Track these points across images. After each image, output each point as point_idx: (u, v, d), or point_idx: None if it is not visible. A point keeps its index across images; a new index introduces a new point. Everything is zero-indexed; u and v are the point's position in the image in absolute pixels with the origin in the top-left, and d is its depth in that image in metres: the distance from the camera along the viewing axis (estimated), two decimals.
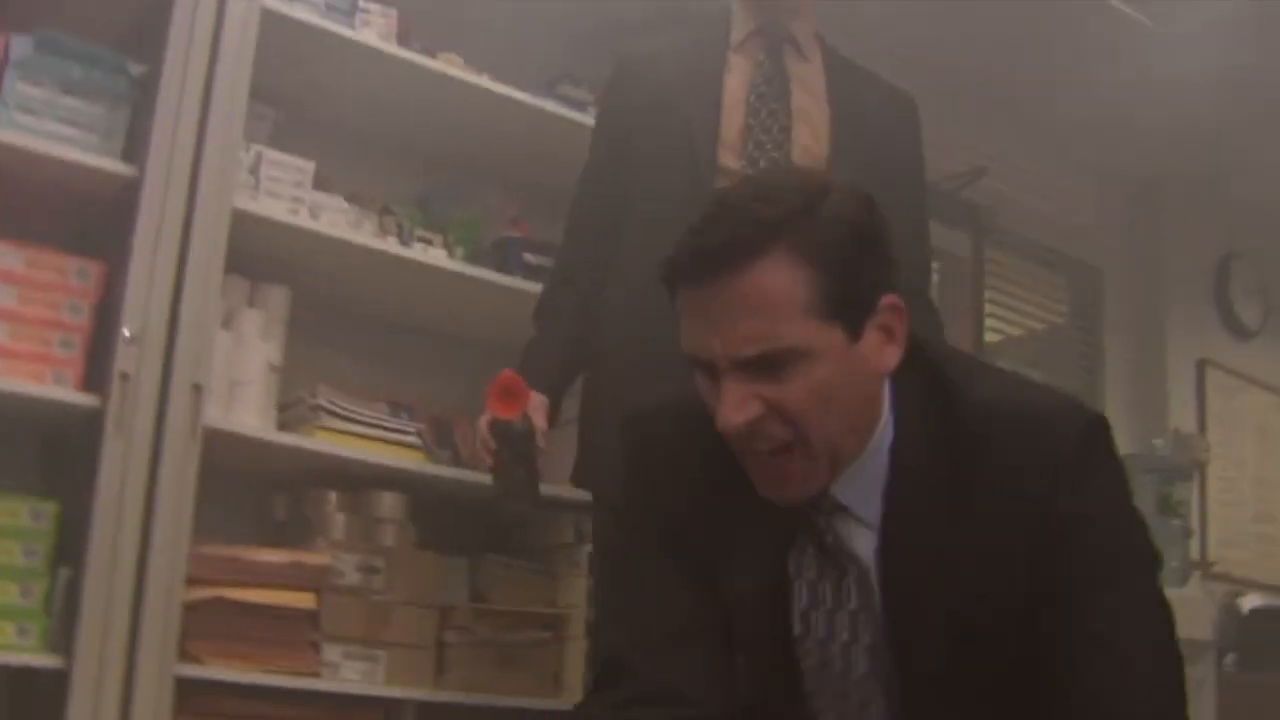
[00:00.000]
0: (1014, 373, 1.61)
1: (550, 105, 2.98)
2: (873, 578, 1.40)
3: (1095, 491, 1.36)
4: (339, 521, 2.63)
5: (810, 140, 2.32)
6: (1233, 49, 3.69)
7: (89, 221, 2.47)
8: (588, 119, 2.95)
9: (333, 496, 2.66)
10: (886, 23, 3.67)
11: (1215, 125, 4.16)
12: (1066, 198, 4.50)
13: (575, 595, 2.82)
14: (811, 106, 2.35)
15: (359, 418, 2.61)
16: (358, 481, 2.68)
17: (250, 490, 2.75)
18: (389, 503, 2.69)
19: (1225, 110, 4.02)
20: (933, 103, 4.36)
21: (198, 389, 2.32)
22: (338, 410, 2.60)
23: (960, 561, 1.34)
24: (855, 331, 1.31)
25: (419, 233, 2.86)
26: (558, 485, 2.60)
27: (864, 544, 1.40)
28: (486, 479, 2.66)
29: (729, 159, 2.29)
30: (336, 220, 2.66)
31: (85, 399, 2.26)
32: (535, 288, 2.76)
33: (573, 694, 2.74)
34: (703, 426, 1.40)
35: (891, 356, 1.36)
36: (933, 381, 1.40)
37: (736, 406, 1.29)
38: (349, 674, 2.51)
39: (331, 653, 2.49)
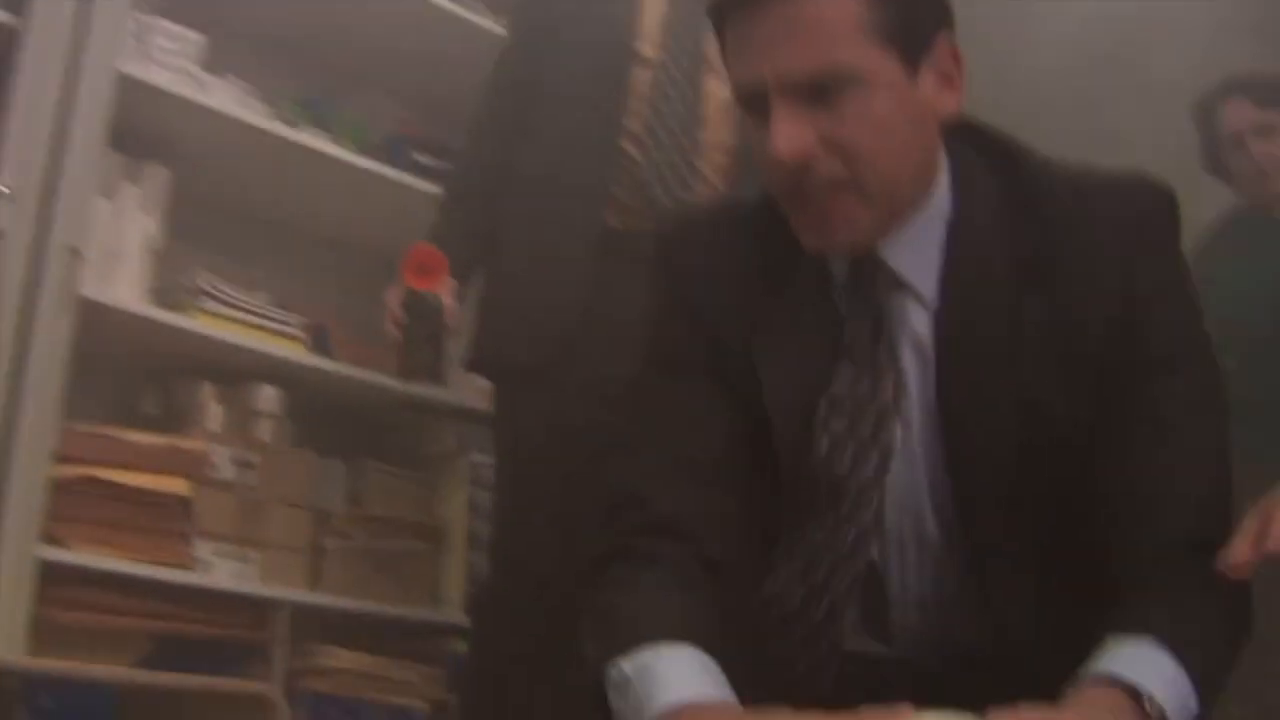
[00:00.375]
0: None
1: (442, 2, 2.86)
2: (927, 360, 1.28)
3: (1169, 269, 1.29)
4: (214, 412, 2.50)
5: None
6: (1101, 38, 3.71)
7: None
8: (480, 20, 2.88)
9: (206, 386, 2.53)
10: None
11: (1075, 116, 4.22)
12: None
13: (455, 507, 2.74)
14: None
15: (241, 304, 2.49)
16: (233, 373, 2.55)
17: (118, 379, 2.59)
18: (266, 396, 2.57)
19: (1088, 100, 4.05)
20: None
21: (75, 253, 2.18)
22: (220, 295, 2.46)
23: (1030, 340, 1.24)
24: (912, 66, 1.22)
25: (305, 129, 2.74)
26: (441, 391, 2.54)
27: (919, 324, 1.28)
28: (368, 378, 2.60)
29: (647, 48, 2.28)
30: (225, 99, 2.52)
31: None
32: (426, 187, 2.70)
33: (450, 606, 2.66)
34: (741, 223, 1.35)
35: (951, 102, 1.26)
36: (998, 153, 1.31)
37: (788, 137, 1.18)
38: (221, 573, 2.38)
39: (203, 550, 2.37)
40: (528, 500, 2.20)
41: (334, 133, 2.79)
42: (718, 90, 2.29)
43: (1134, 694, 1.04)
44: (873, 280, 1.28)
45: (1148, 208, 1.28)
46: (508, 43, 2.45)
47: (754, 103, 1.22)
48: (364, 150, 2.79)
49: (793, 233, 1.28)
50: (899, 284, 1.28)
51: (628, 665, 1.11)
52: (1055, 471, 1.23)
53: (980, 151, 1.31)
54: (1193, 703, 1.06)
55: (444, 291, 2.21)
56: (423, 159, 2.83)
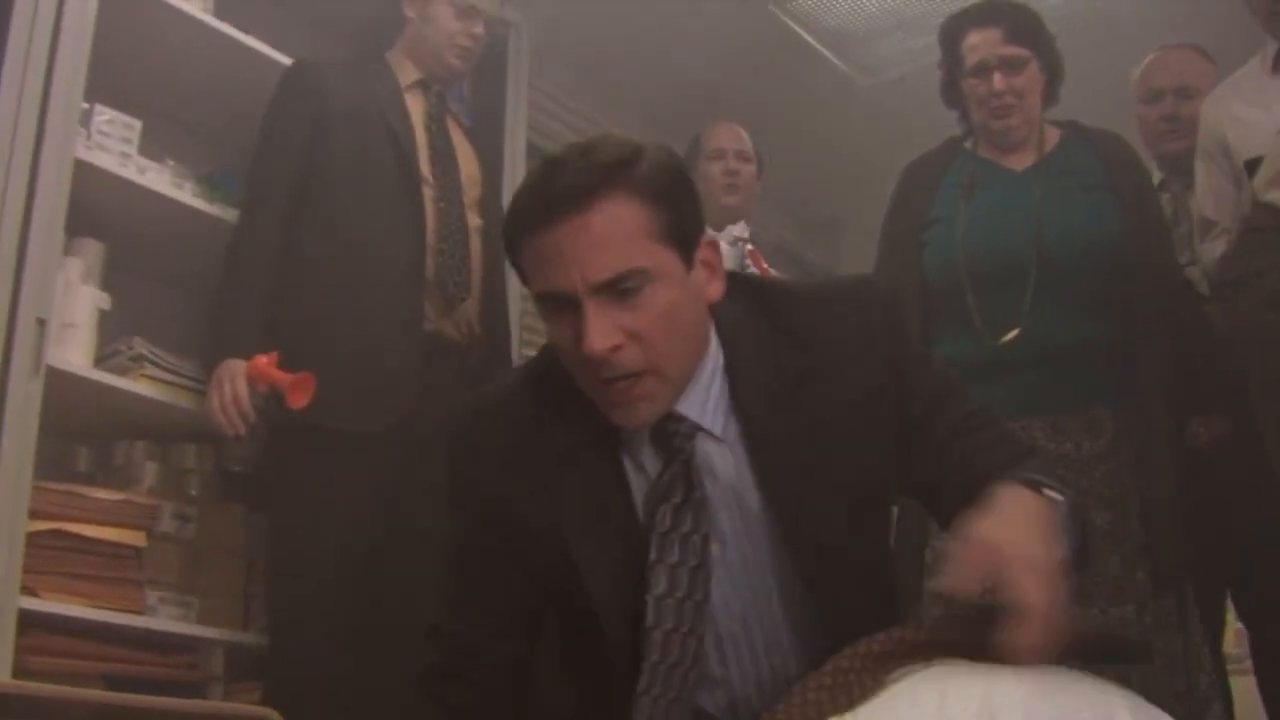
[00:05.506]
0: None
1: None
2: (747, 495, 1.53)
3: (904, 346, 1.60)
4: (151, 470, 2.68)
5: (468, 164, 2.93)
6: (921, 100, 4.04)
7: None
8: None
9: (141, 445, 2.72)
10: (610, 67, 4.04)
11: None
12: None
13: None
14: (460, 141, 2.97)
15: (179, 369, 2.68)
16: (166, 433, 2.74)
17: (53, 440, 2.73)
18: (194, 454, 2.77)
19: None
20: (641, 134, 4.70)
21: (42, 323, 2.36)
22: (159, 360, 2.66)
23: (827, 441, 1.51)
24: (688, 261, 1.48)
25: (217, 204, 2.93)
26: None
27: (723, 461, 1.54)
28: None
29: (426, 169, 2.79)
30: (162, 180, 2.73)
31: None
32: None
33: None
34: (526, 411, 1.57)
35: (717, 288, 1.54)
36: (753, 301, 1.58)
37: (602, 333, 1.41)
38: (164, 618, 2.57)
39: (150, 597, 2.55)
40: (311, 557, 2.54)
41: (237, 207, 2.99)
42: (472, 218, 2.84)
43: (1033, 487, 1.38)
44: (675, 431, 1.53)
45: (879, 308, 1.60)
46: (276, 137, 2.77)
47: (558, 302, 1.45)
48: None
49: (574, 415, 1.53)
50: (695, 429, 1.53)
51: None
52: (870, 512, 1.58)
53: (740, 303, 1.59)
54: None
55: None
56: None
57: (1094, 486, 2.56)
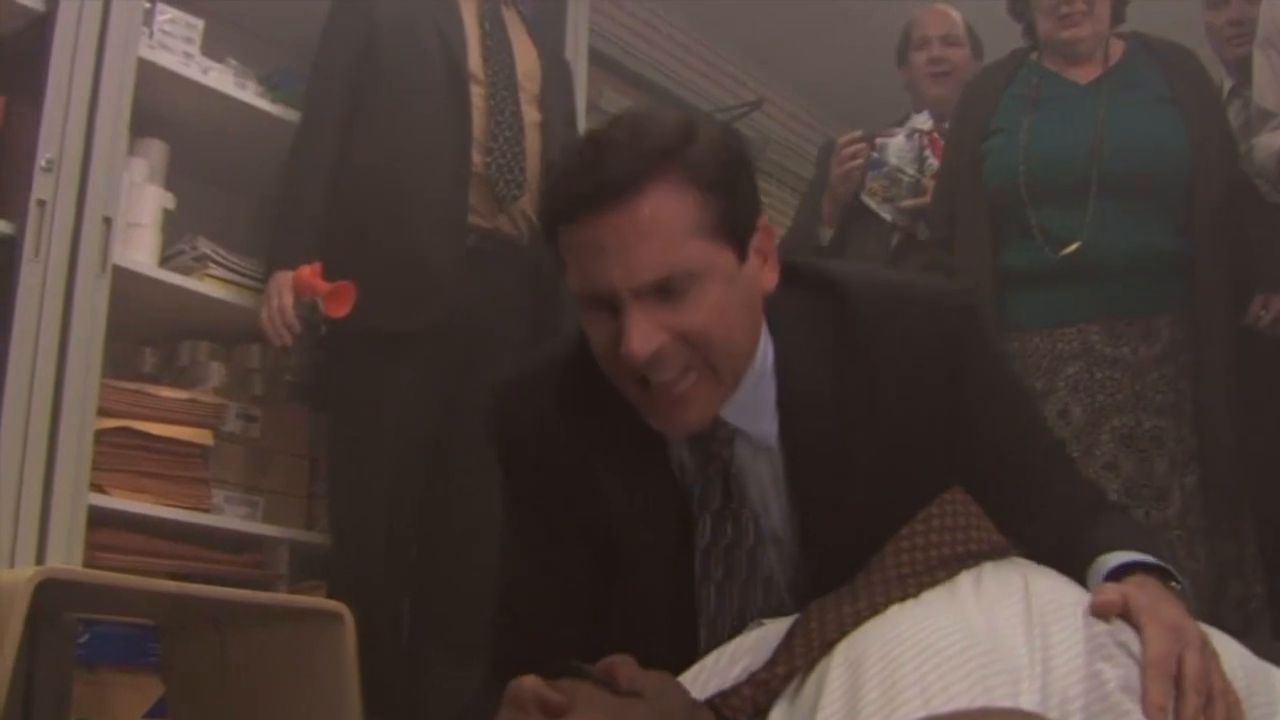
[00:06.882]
0: (879, 269, 1.71)
1: None
2: (775, 502, 1.45)
3: (989, 359, 1.48)
4: (216, 370, 2.70)
5: (527, 60, 2.85)
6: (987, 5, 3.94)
7: None
8: None
9: (206, 346, 2.74)
10: None
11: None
12: (820, 133, 4.91)
13: None
14: (520, 36, 2.89)
15: (243, 269, 2.69)
16: (230, 334, 2.76)
17: (119, 341, 2.75)
18: (258, 355, 2.79)
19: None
20: (709, 43, 4.69)
21: (108, 222, 2.37)
22: (223, 260, 2.67)
23: (869, 455, 1.41)
24: (741, 254, 1.36)
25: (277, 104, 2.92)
26: None
27: (765, 468, 1.45)
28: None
29: (476, 67, 2.72)
30: (224, 80, 2.73)
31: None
32: None
33: None
34: (569, 389, 1.47)
35: (771, 277, 1.42)
36: (816, 291, 1.46)
37: (643, 338, 1.30)
38: (231, 516, 2.61)
39: (216, 496, 2.59)
40: (370, 452, 2.56)
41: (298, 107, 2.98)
42: (531, 113, 2.77)
43: (1161, 575, 1.28)
44: (713, 434, 1.44)
45: (958, 317, 1.46)
46: (333, 41, 2.74)
47: (596, 300, 1.34)
48: None
49: (615, 396, 1.40)
50: (736, 433, 1.44)
51: None
52: (897, 521, 1.39)
53: (799, 292, 1.46)
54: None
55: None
56: None
57: (1147, 391, 2.57)
